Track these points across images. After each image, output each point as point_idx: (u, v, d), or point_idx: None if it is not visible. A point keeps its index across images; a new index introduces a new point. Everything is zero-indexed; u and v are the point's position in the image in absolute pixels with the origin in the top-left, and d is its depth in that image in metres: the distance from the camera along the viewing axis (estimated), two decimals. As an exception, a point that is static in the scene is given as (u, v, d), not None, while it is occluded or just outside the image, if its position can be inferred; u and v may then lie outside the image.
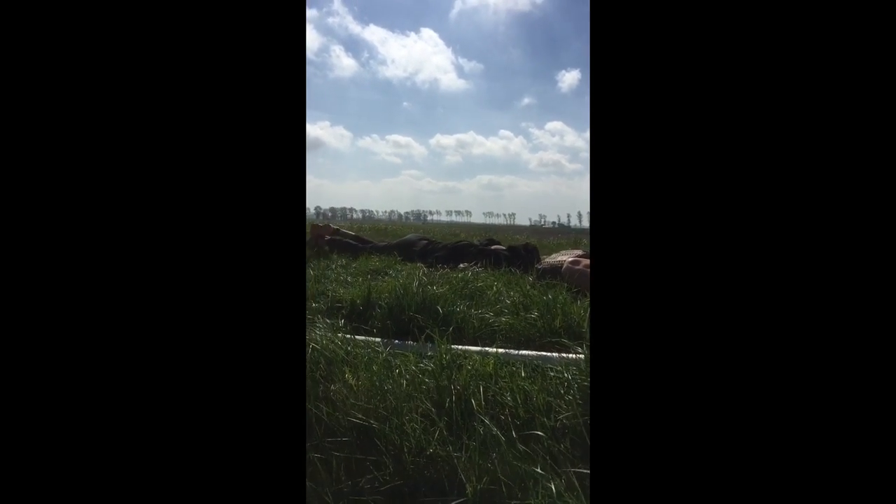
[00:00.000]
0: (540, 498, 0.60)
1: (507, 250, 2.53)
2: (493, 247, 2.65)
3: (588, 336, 1.11)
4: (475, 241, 2.86)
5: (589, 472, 0.64)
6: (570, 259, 1.96)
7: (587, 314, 1.27)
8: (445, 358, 0.99)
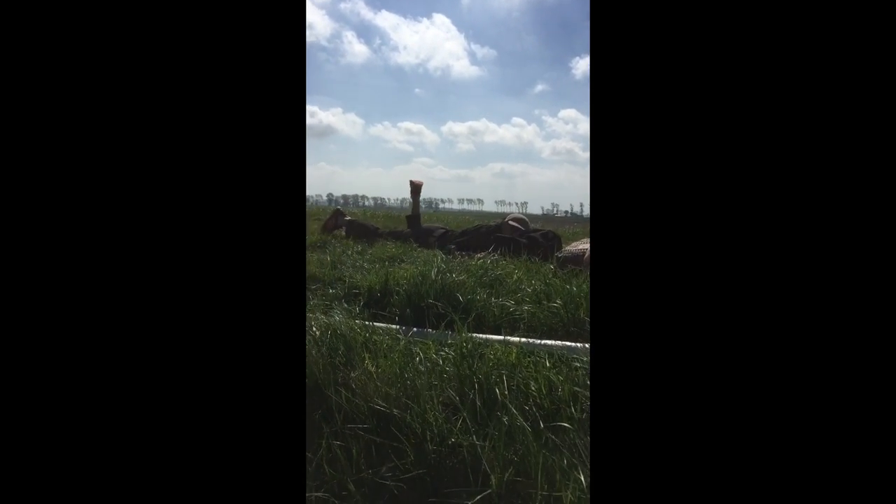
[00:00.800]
0: (570, 490, 0.57)
1: (526, 239, 2.49)
2: (527, 234, 2.62)
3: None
4: (492, 224, 2.84)
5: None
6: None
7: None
8: (467, 346, 0.97)
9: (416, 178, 3.46)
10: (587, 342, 1.00)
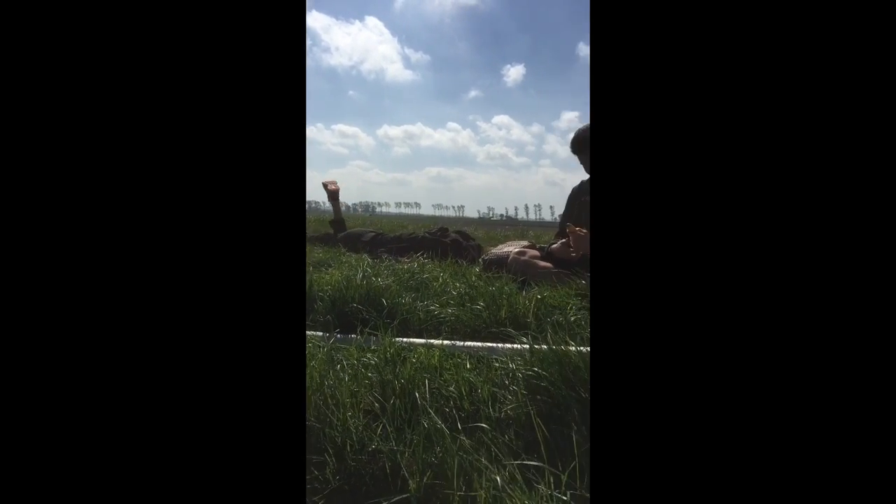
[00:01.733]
0: (484, 490, 0.59)
1: (452, 242, 2.52)
2: (448, 236, 2.65)
3: (532, 326, 1.12)
4: (426, 233, 2.85)
5: (532, 462, 0.64)
6: (517, 250, 1.98)
7: (532, 304, 1.29)
8: (390, 351, 0.97)
9: (329, 182, 3.29)
10: (507, 342, 1.03)
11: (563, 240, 1.83)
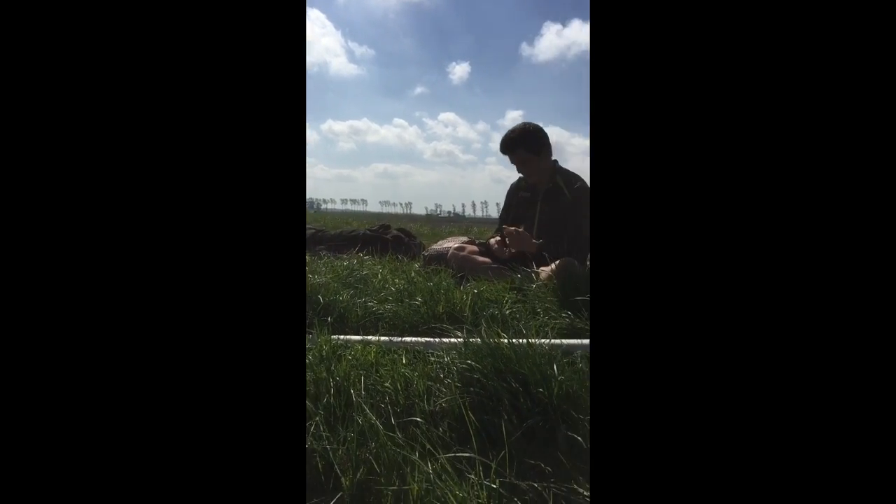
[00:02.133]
0: (417, 483, 0.60)
1: (393, 238, 2.52)
2: (390, 232, 2.63)
3: (469, 320, 1.14)
4: (367, 230, 2.81)
5: (465, 454, 0.65)
6: (456, 246, 2.00)
7: (469, 299, 1.31)
8: (325, 349, 0.96)
9: None
10: (443, 337, 1.05)
11: (499, 238, 1.88)
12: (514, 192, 2.11)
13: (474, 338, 0.88)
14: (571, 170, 1.96)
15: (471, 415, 0.71)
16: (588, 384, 0.78)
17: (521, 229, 1.81)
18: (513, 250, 1.77)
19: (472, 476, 0.60)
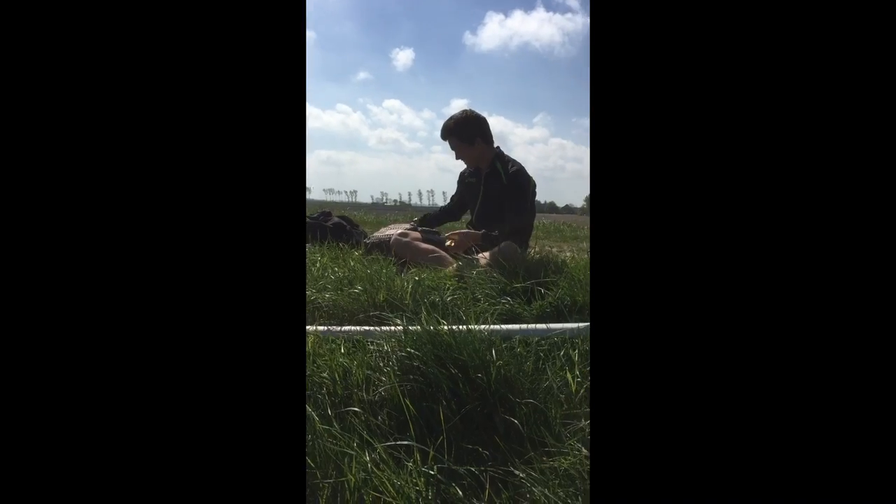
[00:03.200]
0: (353, 474, 0.58)
1: (334, 226, 2.46)
2: (330, 219, 2.57)
3: (410, 307, 1.13)
4: (308, 217, 2.73)
5: (404, 443, 0.65)
6: (399, 232, 1.98)
7: (410, 286, 1.30)
8: (259, 340, 0.92)
9: None
10: (383, 325, 1.03)
11: (448, 244, 1.91)
12: (463, 177, 2.19)
13: (414, 325, 0.88)
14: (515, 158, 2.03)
15: (408, 402, 0.71)
16: (526, 367, 0.79)
17: (456, 235, 1.89)
18: (461, 252, 1.79)
19: (410, 464, 0.60)
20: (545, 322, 1.06)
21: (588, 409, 0.73)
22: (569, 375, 0.80)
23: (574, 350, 0.91)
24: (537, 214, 2.42)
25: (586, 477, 0.58)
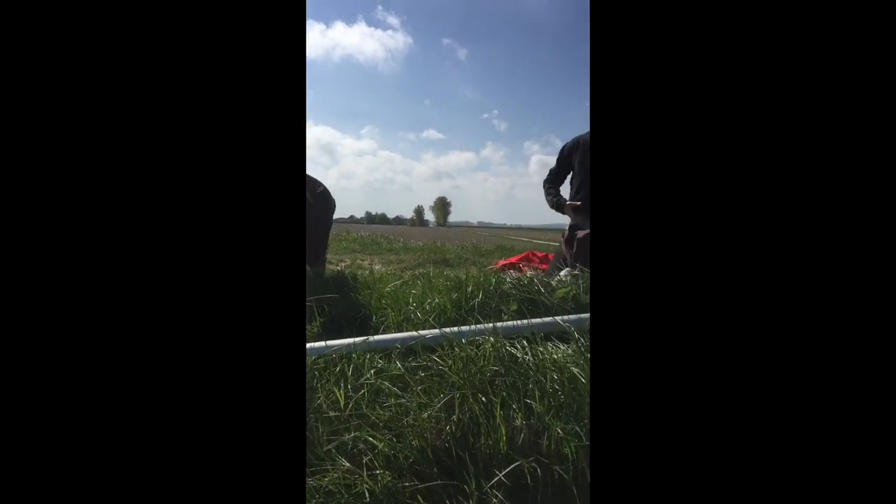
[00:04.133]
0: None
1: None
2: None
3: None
4: None
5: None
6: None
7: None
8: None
9: None
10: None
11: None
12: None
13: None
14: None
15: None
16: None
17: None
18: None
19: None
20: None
21: (355, 423, 0.76)
22: (338, 392, 0.82)
23: (349, 366, 0.93)
24: (362, 226, 2.35)
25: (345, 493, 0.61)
